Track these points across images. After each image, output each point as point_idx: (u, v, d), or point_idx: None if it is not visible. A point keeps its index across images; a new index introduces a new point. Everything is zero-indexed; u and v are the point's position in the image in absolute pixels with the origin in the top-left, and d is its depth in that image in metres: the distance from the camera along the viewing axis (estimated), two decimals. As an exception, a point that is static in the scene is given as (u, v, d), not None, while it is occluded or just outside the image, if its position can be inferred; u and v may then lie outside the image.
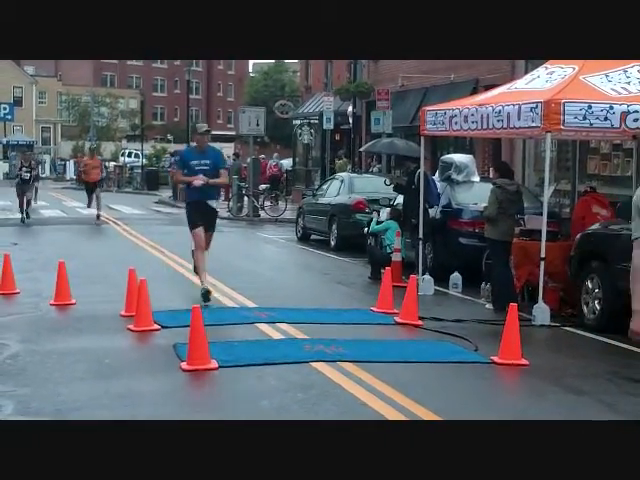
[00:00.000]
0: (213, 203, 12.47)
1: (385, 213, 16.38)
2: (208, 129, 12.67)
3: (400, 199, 16.02)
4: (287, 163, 44.84)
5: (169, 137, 79.81)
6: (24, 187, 26.06)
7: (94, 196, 26.16)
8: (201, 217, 12.23)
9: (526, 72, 14.44)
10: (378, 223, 16.23)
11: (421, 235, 14.08)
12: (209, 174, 12.10)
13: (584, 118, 10.98)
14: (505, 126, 11.84)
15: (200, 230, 12.20)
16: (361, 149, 26.72)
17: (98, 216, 25.68)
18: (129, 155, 63.50)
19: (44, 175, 29.26)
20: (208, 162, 12.12)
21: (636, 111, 10.91)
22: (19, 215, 25.44)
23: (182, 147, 37.73)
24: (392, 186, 17.12)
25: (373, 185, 19.98)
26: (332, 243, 20.25)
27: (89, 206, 26.71)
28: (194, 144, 13.06)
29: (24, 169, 26.36)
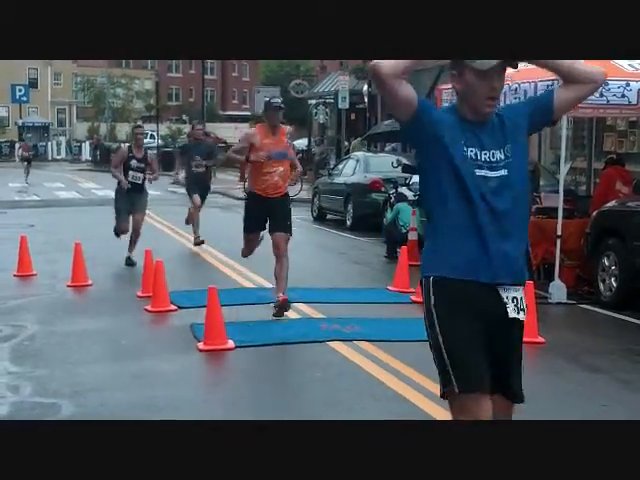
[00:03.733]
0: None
1: (404, 190, 16.48)
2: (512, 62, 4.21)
3: (416, 178, 15.99)
4: (302, 143, 44.82)
5: (184, 118, 79.78)
6: (133, 200, 13.72)
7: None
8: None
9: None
10: (397, 199, 16.29)
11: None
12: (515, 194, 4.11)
13: (601, 95, 10.89)
14: (522, 104, 11.75)
15: None
16: (363, 138, 26.67)
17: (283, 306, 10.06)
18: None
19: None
20: (509, 157, 4.09)
21: (653, 87, 10.84)
22: (35, 197, 24.28)
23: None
24: (400, 168, 17.19)
25: (389, 164, 19.93)
26: (348, 223, 20.23)
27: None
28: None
29: (134, 162, 13.61)
